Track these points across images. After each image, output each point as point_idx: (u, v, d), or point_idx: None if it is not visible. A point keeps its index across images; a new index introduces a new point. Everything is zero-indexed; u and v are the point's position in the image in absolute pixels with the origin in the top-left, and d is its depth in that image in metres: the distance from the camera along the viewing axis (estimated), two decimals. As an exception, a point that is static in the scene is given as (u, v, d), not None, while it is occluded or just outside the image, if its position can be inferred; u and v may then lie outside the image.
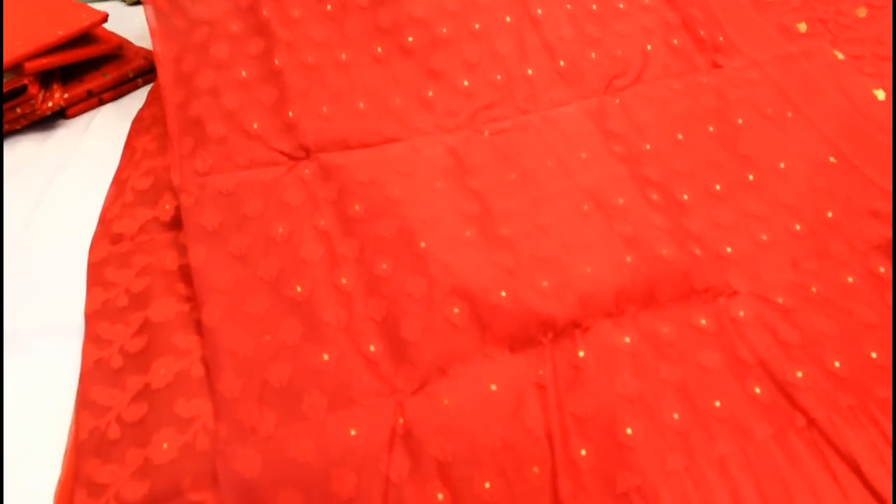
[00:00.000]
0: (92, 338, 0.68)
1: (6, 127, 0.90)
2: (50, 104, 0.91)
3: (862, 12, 0.96)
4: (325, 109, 0.81)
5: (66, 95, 0.93)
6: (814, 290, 0.71)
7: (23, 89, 0.88)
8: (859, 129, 0.85)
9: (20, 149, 0.90)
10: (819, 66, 0.92)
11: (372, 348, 0.65)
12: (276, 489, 0.56)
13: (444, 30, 0.89)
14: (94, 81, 0.96)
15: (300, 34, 0.85)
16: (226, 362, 0.63)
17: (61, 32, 0.90)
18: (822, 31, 0.95)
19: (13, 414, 0.64)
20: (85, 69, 0.96)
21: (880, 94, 0.87)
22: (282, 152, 0.78)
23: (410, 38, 0.88)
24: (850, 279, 0.72)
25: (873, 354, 0.66)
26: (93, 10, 0.95)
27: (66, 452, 0.61)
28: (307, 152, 0.78)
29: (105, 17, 0.94)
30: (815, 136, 0.85)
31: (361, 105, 0.83)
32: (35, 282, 0.74)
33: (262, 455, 0.57)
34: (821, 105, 0.88)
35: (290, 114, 0.79)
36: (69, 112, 0.94)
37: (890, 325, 0.68)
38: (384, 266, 0.69)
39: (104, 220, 0.79)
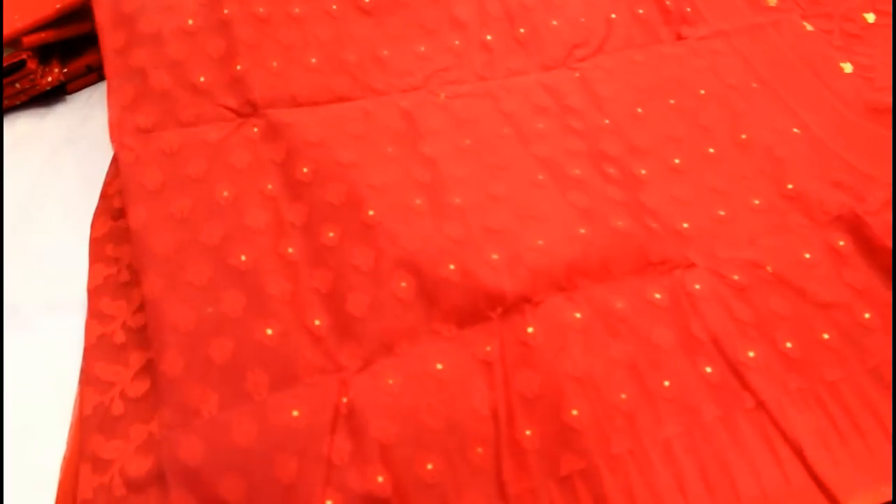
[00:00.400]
0: (94, 313, 0.67)
1: (5, 103, 0.87)
2: (49, 79, 0.88)
3: (833, -12, 0.95)
4: (274, 64, 0.78)
5: (65, 70, 0.90)
6: (769, 268, 0.69)
7: (21, 64, 0.85)
8: (825, 101, 0.84)
9: (20, 125, 0.88)
10: (787, 37, 0.90)
11: (317, 322, 0.63)
12: (219, 476, 0.54)
13: None
14: (93, 56, 0.91)
15: None
16: (169, 339, 0.60)
17: (58, 5, 0.86)
18: (793, 5, 0.94)
19: (17, 391, 0.64)
20: (84, 44, 0.91)
21: (847, 67, 0.86)
22: (228, 108, 0.75)
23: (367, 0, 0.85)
24: (808, 255, 0.71)
25: (825, 335, 0.66)
26: None
27: (70, 428, 0.61)
28: (255, 108, 0.75)
29: None
30: (779, 107, 0.84)
31: (313, 60, 0.80)
32: (37, 258, 0.74)
33: (205, 441, 0.55)
34: (786, 76, 0.86)
35: (238, 67, 0.76)
36: (69, 87, 0.91)
37: (843, 304, 0.68)
38: (331, 234, 0.67)
39: (105, 196, 0.77)
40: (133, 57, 0.76)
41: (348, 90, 0.79)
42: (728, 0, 0.95)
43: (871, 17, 0.91)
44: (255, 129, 0.73)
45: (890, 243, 0.69)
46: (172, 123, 0.73)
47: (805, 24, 0.90)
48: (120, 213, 0.74)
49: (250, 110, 0.75)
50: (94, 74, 0.93)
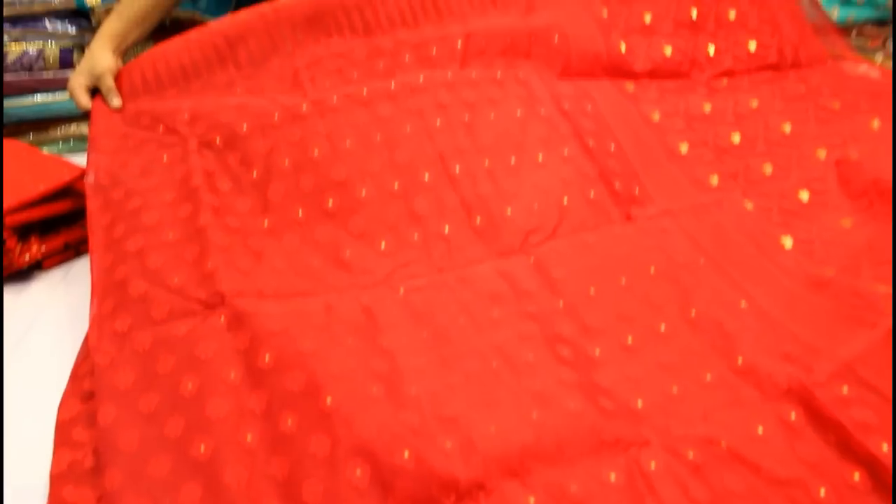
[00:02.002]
0: (56, 502, 0.67)
1: (-22, 281, 0.89)
2: (27, 257, 0.91)
3: (768, 169, 1.01)
4: (242, 264, 0.82)
5: (43, 248, 0.93)
6: (723, 444, 0.70)
7: (0, 244, 0.88)
8: (769, 275, 0.88)
9: (-6, 301, 0.90)
10: (729, 215, 0.95)
11: None
12: None
13: (364, 192, 0.91)
14: (71, 234, 0.96)
15: (226, 203, 0.88)
16: None
17: (42, 188, 0.91)
18: (733, 185, 1.00)
19: None
20: (63, 221, 0.96)
21: (787, 243, 0.91)
22: (198, 300, 0.78)
23: (331, 202, 0.91)
24: (760, 430, 0.72)
25: (780, 512, 0.66)
26: (73, 165, 0.97)
27: None
28: (222, 298, 0.78)
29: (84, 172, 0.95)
30: (726, 282, 0.87)
31: (279, 265, 0.85)
32: (6, 439, 0.73)
33: None
34: (731, 252, 0.90)
35: (209, 265, 0.80)
36: (45, 263, 0.94)
37: (798, 480, 0.68)
38: (289, 422, 0.68)
39: (76, 377, 0.79)
40: (117, 272, 0.81)
41: (311, 288, 0.83)
42: (674, 181, 1.00)
43: (805, 196, 0.97)
44: (222, 319, 0.76)
45: (839, 416, 0.71)
46: (146, 323, 0.77)
47: (746, 202, 0.96)
48: (89, 395, 0.75)
49: (218, 300, 0.78)
50: (71, 251, 0.96)
